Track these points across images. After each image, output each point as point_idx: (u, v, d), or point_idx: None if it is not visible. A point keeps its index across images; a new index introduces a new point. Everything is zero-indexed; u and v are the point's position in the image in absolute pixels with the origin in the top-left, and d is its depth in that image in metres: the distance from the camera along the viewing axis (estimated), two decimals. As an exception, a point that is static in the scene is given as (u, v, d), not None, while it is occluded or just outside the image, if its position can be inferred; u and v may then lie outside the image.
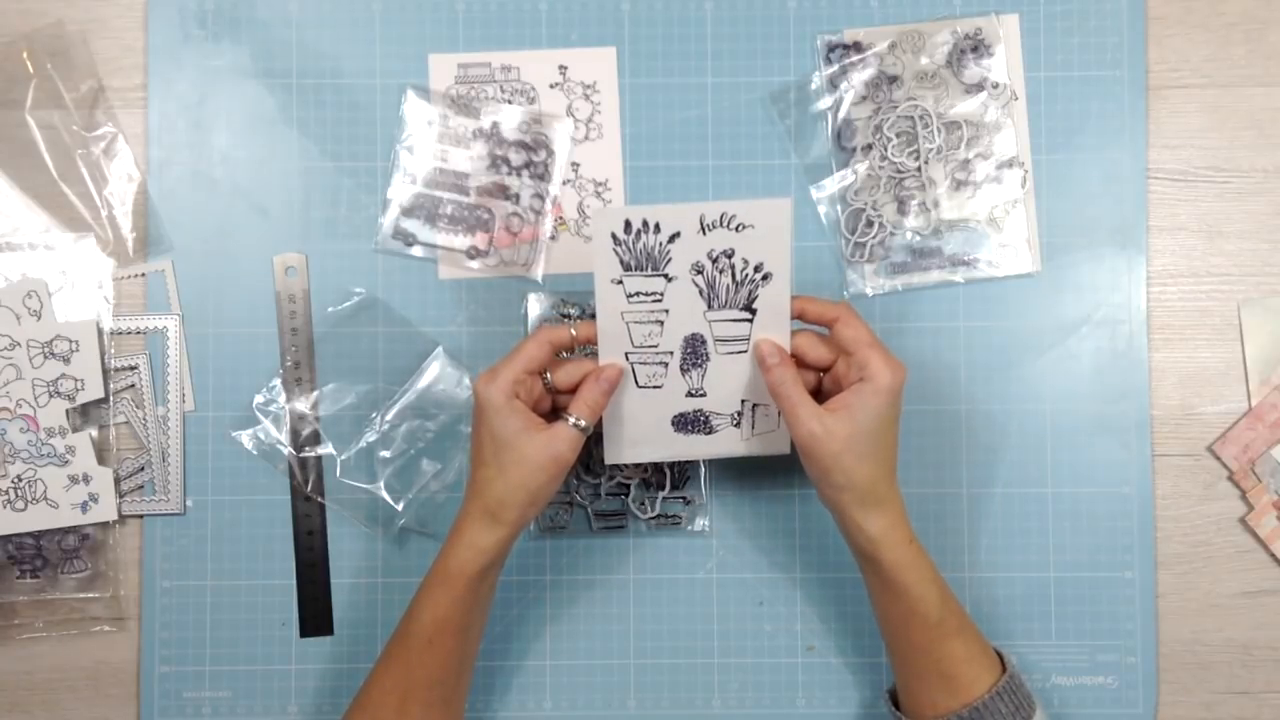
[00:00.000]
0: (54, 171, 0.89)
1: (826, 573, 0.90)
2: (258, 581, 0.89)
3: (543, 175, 0.90)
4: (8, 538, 0.88)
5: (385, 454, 0.89)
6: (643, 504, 0.89)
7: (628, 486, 0.89)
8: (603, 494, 0.90)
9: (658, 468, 0.89)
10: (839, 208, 0.90)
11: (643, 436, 0.83)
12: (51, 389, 0.88)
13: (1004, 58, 0.90)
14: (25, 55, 0.89)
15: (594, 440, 0.86)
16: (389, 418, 0.89)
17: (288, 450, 0.89)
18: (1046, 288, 0.90)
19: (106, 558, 0.89)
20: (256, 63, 0.90)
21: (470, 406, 0.88)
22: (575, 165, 0.91)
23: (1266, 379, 0.90)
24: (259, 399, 0.89)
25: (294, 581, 0.89)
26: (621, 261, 0.77)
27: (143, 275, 0.90)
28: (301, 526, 0.89)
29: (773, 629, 0.90)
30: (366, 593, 0.90)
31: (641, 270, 0.78)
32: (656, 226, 0.76)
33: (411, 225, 0.90)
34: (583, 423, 0.77)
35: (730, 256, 0.77)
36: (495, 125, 0.90)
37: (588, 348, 0.80)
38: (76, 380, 0.88)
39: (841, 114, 0.90)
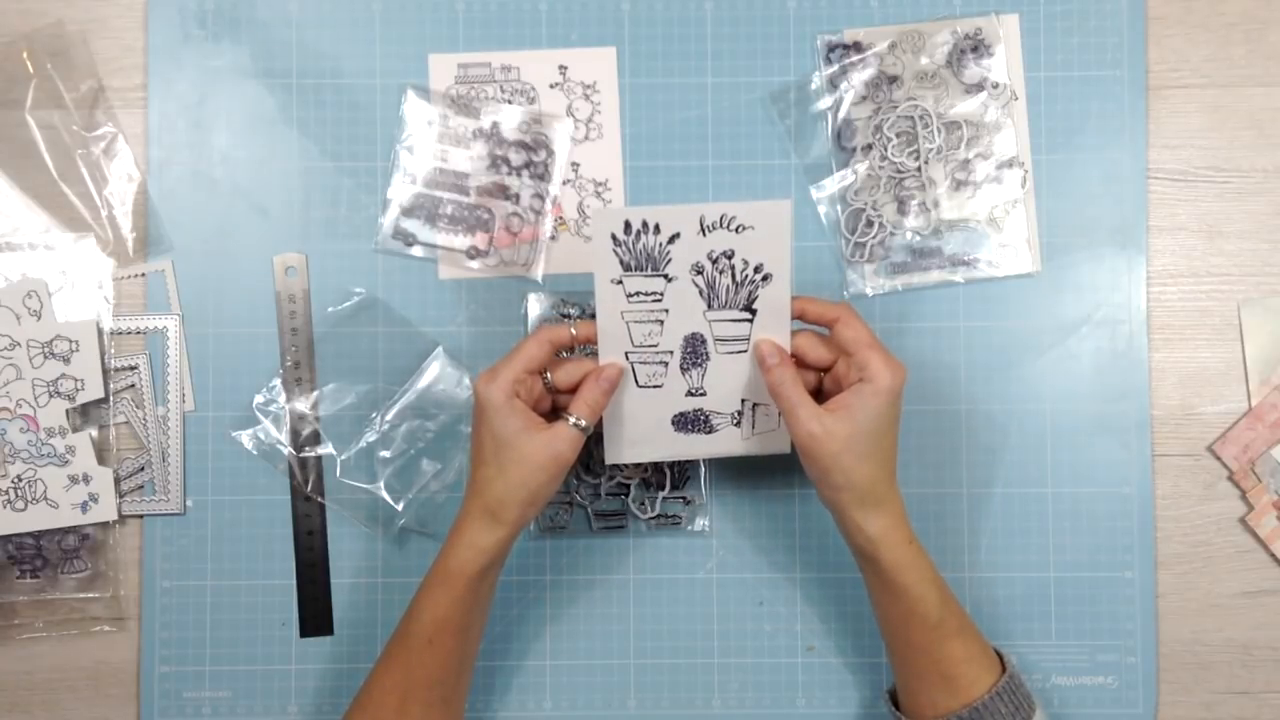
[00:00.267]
0: (54, 171, 0.89)
1: (826, 573, 0.90)
2: (258, 581, 0.89)
3: (543, 175, 0.90)
4: (8, 538, 0.88)
5: (385, 454, 0.89)
6: (643, 504, 0.89)
7: (628, 486, 0.89)
8: (603, 494, 0.90)
9: (658, 468, 0.89)
10: (839, 208, 0.90)
11: (643, 436, 0.82)
12: (51, 389, 0.88)
13: (1004, 58, 0.90)
14: (25, 55, 0.89)
15: (594, 440, 0.86)
16: (389, 418, 0.89)
17: (288, 450, 0.89)
18: (1046, 288, 0.90)
19: (106, 558, 0.89)
20: (256, 63, 0.90)
21: (470, 406, 0.88)
22: (575, 165, 0.91)
23: (1266, 379, 0.90)
24: (259, 399, 0.89)
25: (294, 581, 0.89)
26: (621, 262, 0.77)
27: (143, 275, 0.90)
28: (301, 526, 0.89)
29: (773, 629, 0.90)
30: (366, 593, 0.90)
31: (641, 270, 0.78)
32: (656, 227, 0.76)
33: (411, 225, 0.90)
34: (583, 422, 0.77)
35: (730, 257, 0.77)
36: (495, 125, 0.90)
37: (588, 347, 0.80)
38: (76, 380, 0.88)
39: (841, 114, 0.90)
